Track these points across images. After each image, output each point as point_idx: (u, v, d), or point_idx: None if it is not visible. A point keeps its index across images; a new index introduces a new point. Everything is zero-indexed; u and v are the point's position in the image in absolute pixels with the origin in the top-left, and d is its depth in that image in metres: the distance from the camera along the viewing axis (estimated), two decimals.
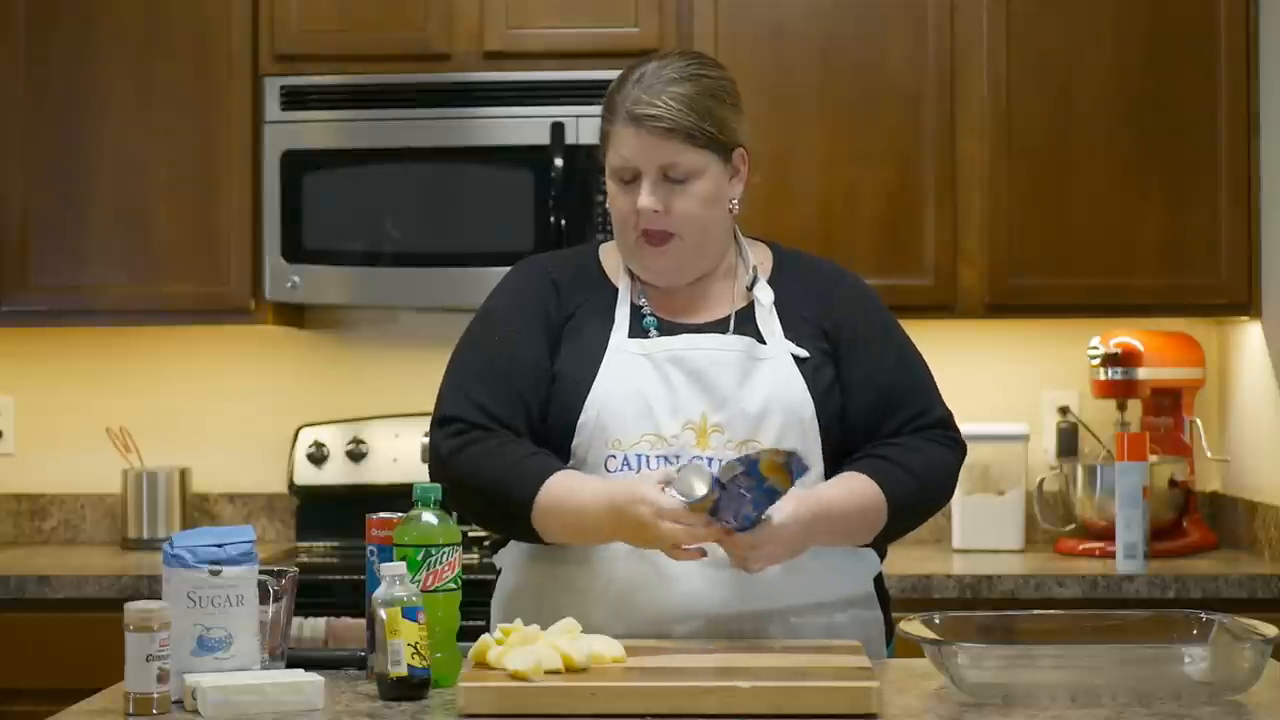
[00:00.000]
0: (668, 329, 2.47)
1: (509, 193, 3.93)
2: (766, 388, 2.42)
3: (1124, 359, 3.98)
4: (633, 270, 2.51)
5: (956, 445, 2.52)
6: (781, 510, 2.26)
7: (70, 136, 4.03)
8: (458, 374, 2.47)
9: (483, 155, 3.95)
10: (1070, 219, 3.93)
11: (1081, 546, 3.95)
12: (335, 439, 4.24)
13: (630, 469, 2.38)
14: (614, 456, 2.39)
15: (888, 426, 2.46)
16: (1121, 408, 4.03)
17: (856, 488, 2.39)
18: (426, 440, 2.57)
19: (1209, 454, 4.05)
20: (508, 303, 2.52)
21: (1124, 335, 4.00)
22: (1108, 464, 3.93)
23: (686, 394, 2.41)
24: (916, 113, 3.93)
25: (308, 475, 4.23)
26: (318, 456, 4.22)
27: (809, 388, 2.43)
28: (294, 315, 4.26)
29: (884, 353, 2.50)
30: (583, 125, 3.91)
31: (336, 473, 4.23)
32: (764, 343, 2.45)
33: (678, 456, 2.37)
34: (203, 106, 4.02)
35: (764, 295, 2.50)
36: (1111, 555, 3.81)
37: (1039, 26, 3.93)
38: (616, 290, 2.50)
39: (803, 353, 2.45)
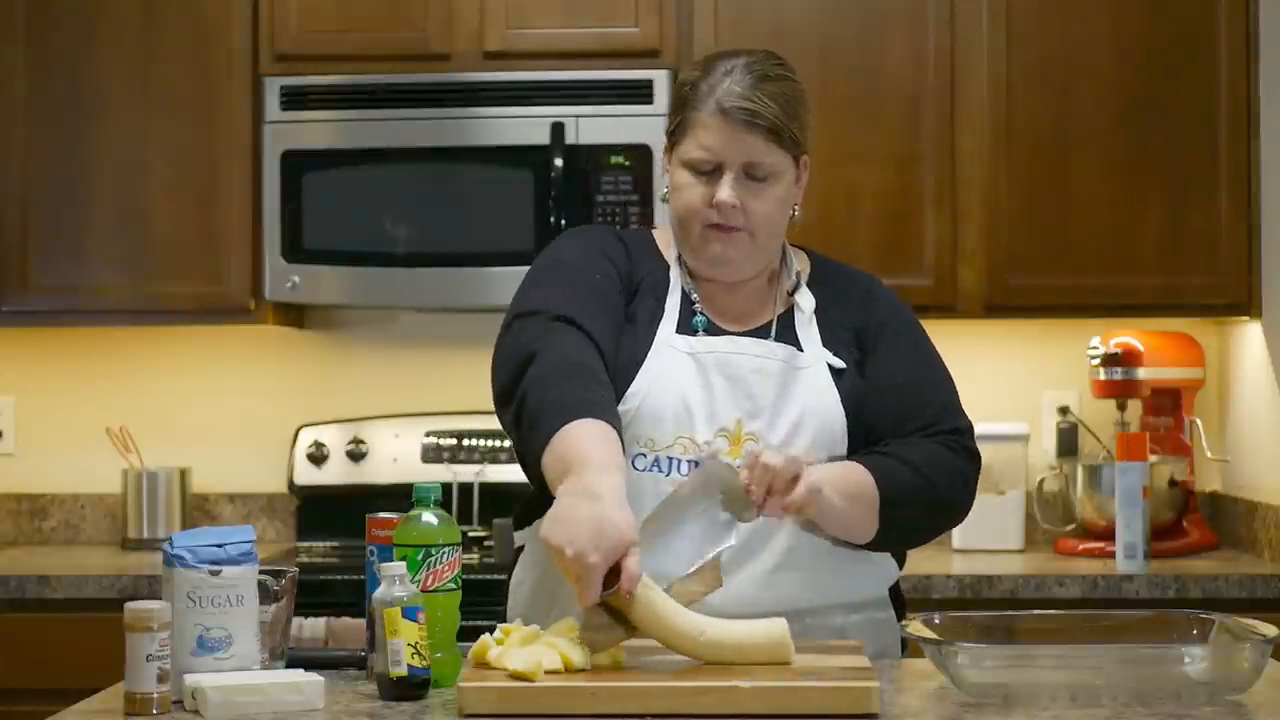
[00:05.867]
0: (715, 331, 2.45)
1: (509, 193, 3.93)
2: (803, 399, 2.40)
3: (1124, 359, 3.98)
4: (692, 262, 2.46)
5: (965, 452, 2.45)
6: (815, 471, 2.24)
7: (70, 137, 4.03)
8: (530, 291, 2.39)
9: (483, 155, 3.95)
10: (1070, 219, 3.93)
11: (1081, 546, 3.95)
12: (335, 439, 4.24)
13: (660, 471, 2.36)
14: (643, 455, 2.36)
15: (904, 430, 2.42)
16: (1121, 408, 4.03)
17: (849, 473, 2.33)
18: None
19: (1209, 454, 4.05)
20: (580, 252, 2.45)
21: (1124, 335, 4.00)
22: (1108, 464, 3.93)
23: (725, 399, 2.39)
24: (916, 113, 3.93)
25: (308, 475, 4.23)
26: (318, 456, 4.22)
27: (843, 399, 2.41)
28: (294, 315, 4.26)
29: (905, 361, 2.47)
30: (583, 125, 3.91)
31: (336, 473, 4.23)
32: (801, 350, 2.44)
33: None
34: (203, 106, 4.02)
35: (805, 302, 2.48)
36: (1111, 555, 3.81)
37: (1039, 27, 3.93)
38: (670, 270, 2.47)
39: (840, 363, 2.43)
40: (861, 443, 2.42)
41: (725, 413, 2.38)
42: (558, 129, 3.90)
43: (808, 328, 2.46)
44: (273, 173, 3.97)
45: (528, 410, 2.24)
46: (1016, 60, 3.93)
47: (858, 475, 2.34)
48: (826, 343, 2.45)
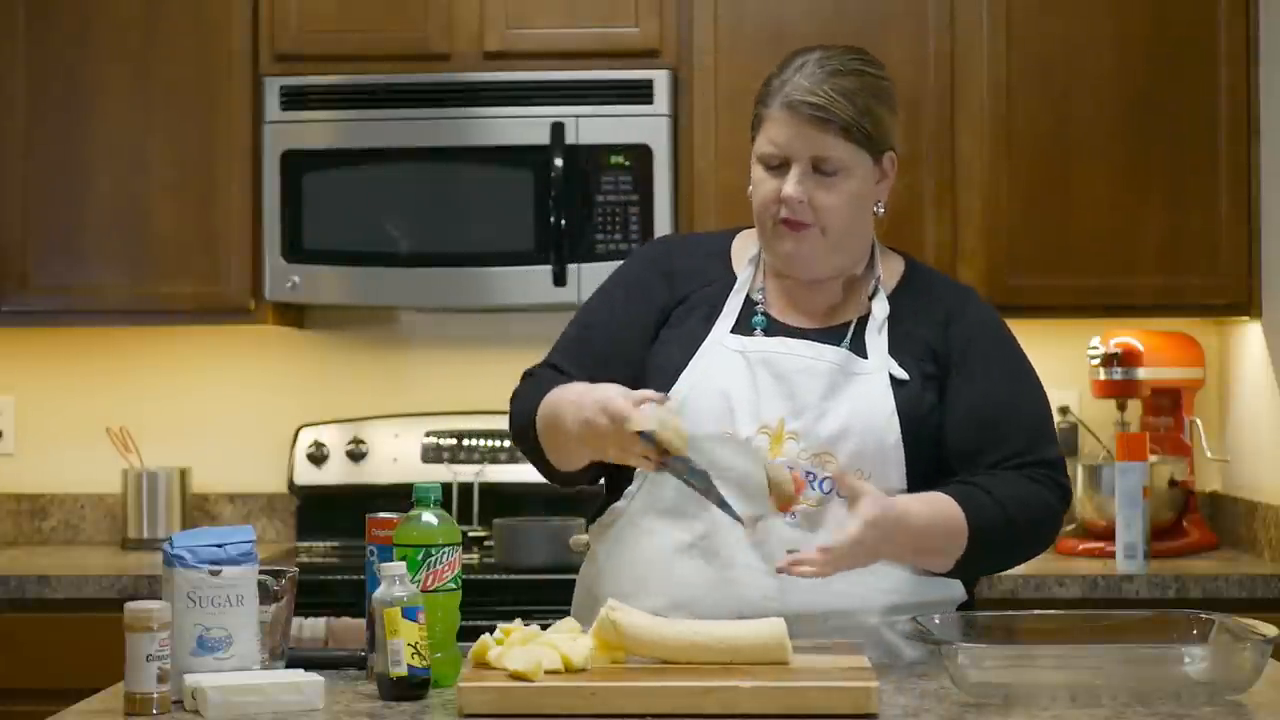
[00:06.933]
0: (775, 329, 2.43)
1: (509, 193, 3.93)
2: (852, 404, 2.37)
3: (1124, 359, 3.98)
4: (769, 258, 2.45)
5: (1058, 488, 2.42)
6: (859, 514, 2.21)
7: (70, 136, 4.03)
8: (555, 345, 2.54)
9: (483, 155, 3.95)
10: (1070, 219, 3.93)
11: (1081, 546, 3.95)
12: (335, 439, 4.24)
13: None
14: None
15: (987, 459, 2.38)
16: (1121, 408, 4.03)
17: (939, 505, 2.32)
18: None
19: (1209, 454, 4.04)
20: (614, 284, 2.56)
21: (1124, 335, 4.00)
22: (1108, 464, 3.93)
23: (769, 397, 2.37)
24: (917, 113, 3.93)
25: (308, 475, 4.23)
26: (318, 456, 4.22)
27: (902, 412, 2.37)
28: (294, 315, 4.26)
29: (996, 383, 2.43)
30: (583, 125, 3.91)
31: (336, 473, 4.23)
32: (865, 358, 2.41)
33: None
34: (203, 106, 4.02)
35: (879, 309, 2.44)
36: (1111, 555, 3.81)
37: (1039, 27, 3.93)
38: (735, 279, 2.47)
39: (902, 374, 2.39)
40: (928, 457, 2.38)
41: (769, 410, 2.37)
42: (558, 129, 3.90)
43: (876, 335, 2.42)
44: (273, 173, 3.97)
45: (526, 428, 2.42)
46: (1017, 63, 3.93)
47: (945, 506, 2.32)
48: (893, 352, 2.41)
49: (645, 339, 2.46)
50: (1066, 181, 3.93)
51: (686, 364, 2.41)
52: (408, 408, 4.29)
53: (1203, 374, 4.09)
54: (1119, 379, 3.99)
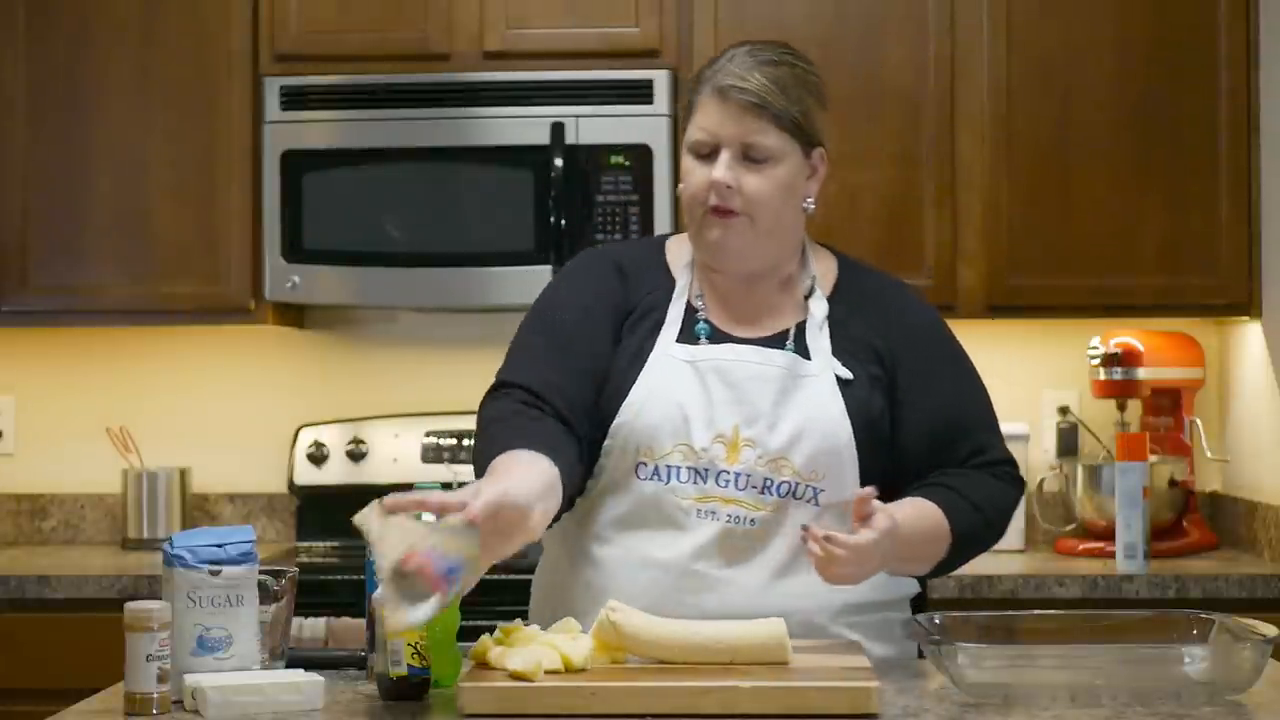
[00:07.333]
0: (719, 338, 2.42)
1: (509, 193, 3.93)
2: (804, 408, 2.37)
3: (1124, 359, 3.98)
4: (697, 254, 2.45)
5: (1018, 483, 2.48)
6: (876, 525, 2.22)
7: (70, 137, 4.03)
8: (514, 348, 2.45)
9: (483, 155, 3.95)
10: (1070, 219, 3.93)
11: (1081, 546, 3.95)
12: (335, 439, 4.24)
13: (660, 479, 2.35)
14: (644, 465, 2.36)
15: (947, 459, 2.41)
16: (1121, 408, 4.03)
17: (926, 513, 2.34)
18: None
19: (1209, 454, 4.05)
20: (569, 290, 2.48)
21: (1124, 335, 4.00)
22: (1108, 464, 3.93)
23: (722, 406, 2.37)
24: (917, 114, 3.93)
25: (308, 475, 4.23)
26: (318, 456, 4.22)
27: (850, 411, 2.37)
28: (294, 315, 4.26)
29: (947, 384, 2.45)
30: (583, 125, 3.91)
31: (336, 473, 4.23)
32: (809, 359, 2.41)
33: (706, 469, 2.35)
34: (202, 106, 4.02)
35: (817, 309, 2.44)
36: (1111, 555, 3.81)
37: (1039, 28, 3.93)
38: (674, 285, 2.46)
39: (846, 374, 2.40)
40: (881, 459, 2.39)
41: (723, 419, 2.36)
42: (558, 129, 3.90)
43: (818, 336, 2.42)
44: (273, 173, 3.97)
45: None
46: (1017, 65, 3.93)
47: (932, 514, 2.35)
48: (837, 352, 2.42)
49: (611, 344, 2.43)
50: (1067, 182, 3.93)
51: (637, 377, 2.38)
52: (408, 408, 4.29)
53: (1203, 374, 4.09)
54: (1119, 379, 3.99)
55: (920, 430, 2.41)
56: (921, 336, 2.47)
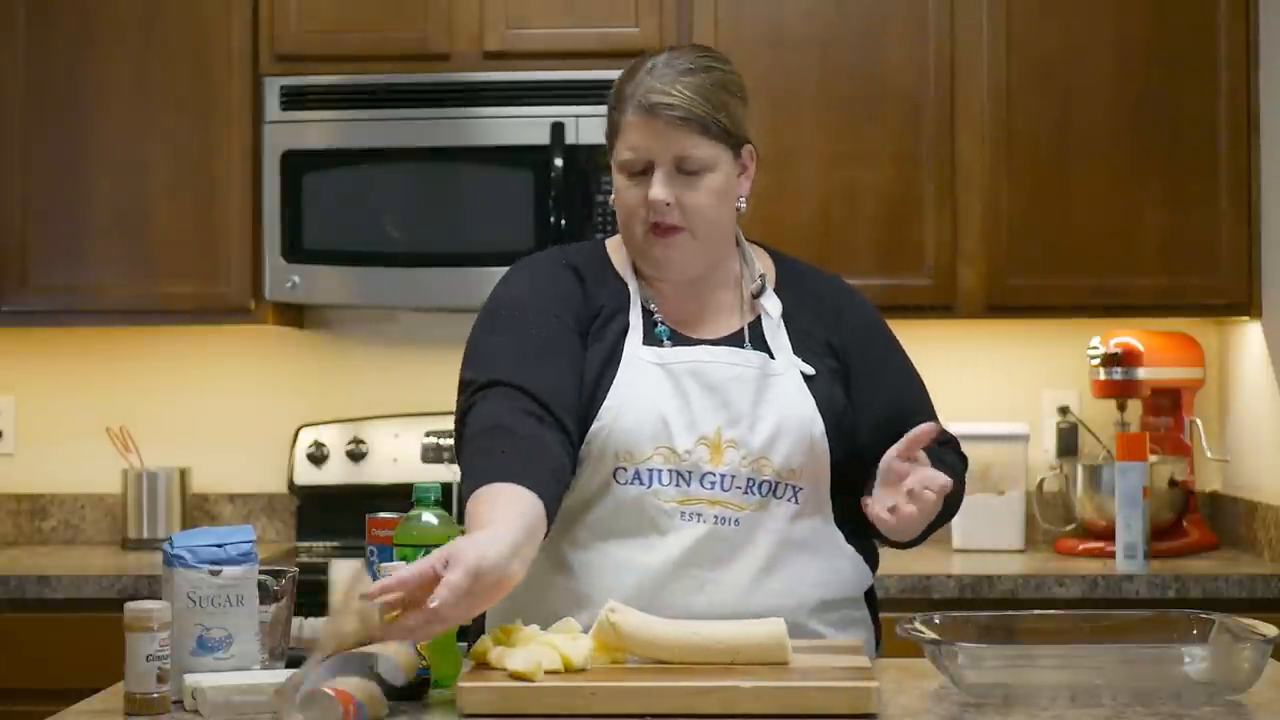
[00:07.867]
0: (679, 340, 2.42)
1: (509, 193, 3.93)
2: (779, 405, 2.38)
3: (1124, 359, 3.98)
4: (640, 267, 2.45)
5: (965, 459, 2.55)
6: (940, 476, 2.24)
7: (70, 136, 4.03)
8: (489, 346, 2.36)
9: (483, 155, 3.95)
10: (1070, 219, 3.93)
11: (1081, 546, 3.95)
12: (335, 439, 4.24)
13: (641, 483, 2.34)
14: (624, 469, 2.34)
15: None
16: (1121, 408, 4.03)
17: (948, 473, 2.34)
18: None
19: (1209, 454, 4.05)
20: (532, 291, 2.42)
21: (1124, 335, 4.00)
22: (1108, 464, 3.93)
23: (702, 408, 2.36)
24: (916, 113, 3.93)
25: (308, 475, 4.24)
26: (318, 456, 4.22)
27: (820, 407, 2.39)
28: (294, 315, 4.26)
29: (893, 376, 2.49)
30: (583, 125, 3.91)
31: (336, 473, 4.23)
32: (773, 357, 2.42)
33: (690, 472, 2.34)
34: (203, 106, 4.02)
35: (772, 307, 2.45)
36: (1111, 555, 3.81)
37: (1039, 28, 3.93)
38: (628, 288, 2.45)
39: (809, 370, 2.42)
40: (842, 450, 2.40)
41: (704, 422, 2.36)
42: (558, 129, 3.90)
43: (776, 334, 2.43)
44: (273, 173, 3.98)
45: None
46: (1017, 65, 3.93)
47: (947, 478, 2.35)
48: (796, 349, 2.43)
49: (583, 343, 2.40)
50: (1066, 182, 3.93)
51: (611, 382, 2.36)
52: (408, 408, 4.29)
53: (1203, 374, 4.09)
54: (1119, 379, 3.99)
55: (876, 421, 2.43)
56: (867, 334, 2.50)
